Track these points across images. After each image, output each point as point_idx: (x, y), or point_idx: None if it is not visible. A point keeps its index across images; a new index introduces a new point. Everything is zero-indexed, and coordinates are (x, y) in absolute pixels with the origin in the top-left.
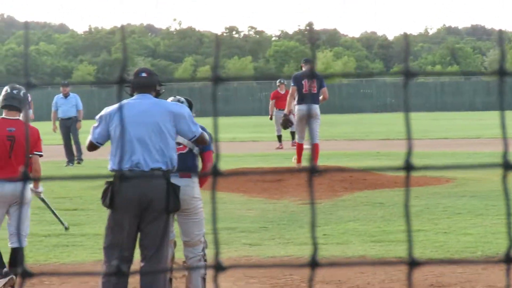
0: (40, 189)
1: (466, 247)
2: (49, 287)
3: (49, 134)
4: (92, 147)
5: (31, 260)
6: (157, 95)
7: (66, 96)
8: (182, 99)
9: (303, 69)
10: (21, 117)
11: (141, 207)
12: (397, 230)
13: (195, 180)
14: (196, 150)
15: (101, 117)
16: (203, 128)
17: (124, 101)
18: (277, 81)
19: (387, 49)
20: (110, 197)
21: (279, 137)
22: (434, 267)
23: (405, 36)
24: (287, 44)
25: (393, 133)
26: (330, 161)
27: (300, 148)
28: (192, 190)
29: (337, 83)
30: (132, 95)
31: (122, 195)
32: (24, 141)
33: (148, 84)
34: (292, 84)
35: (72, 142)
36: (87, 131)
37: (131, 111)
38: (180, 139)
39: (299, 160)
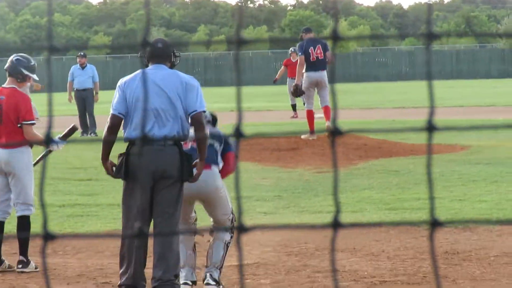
0: (55, 147)
1: (481, 214)
2: (63, 257)
3: (64, 104)
4: (114, 123)
5: None
6: (172, 66)
7: (83, 67)
8: (208, 115)
9: (304, 38)
10: (27, 86)
11: (155, 175)
12: (412, 197)
13: (216, 171)
14: (217, 145)
15: (118, 87)
16: (227, 140)
17: (139, 71)
18: (290, 49)
19: (402, 18)
20: (125, 168)
21: (294, 106)
22: (449, 234)
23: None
24: (302, 14)
25: (408, 101)
26: (345, 127)
27: (310, 115)
28: (214, 181)
29: (352, 52)
30: (147, 65)
31: (135, 165)
32: (13, 110)
33: (163, 55)
34: (300, 54)
35: (87, 114)
36: (103, 102)
37: (147, 80)
38: None
39: (312, 128)
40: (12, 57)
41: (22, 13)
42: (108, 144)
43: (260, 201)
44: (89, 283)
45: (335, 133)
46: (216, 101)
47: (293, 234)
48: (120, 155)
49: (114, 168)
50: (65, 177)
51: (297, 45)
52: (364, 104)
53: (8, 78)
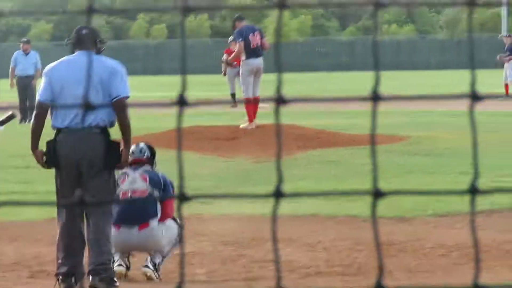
0: None
1: (418, 205)
2: None
3: (5, 91)
4: (40, 111)
5: None
6: (98, 52)
7: (26, 53)
8: (143, 146)
9: (238, 26)
10: None
11: (81, 163)
12: (350, 188)
13: (154, 225)
14: (156, 193)
15: (44, 74)
16: (166, 184)
17: (64, 58)
18: (229, 38)
19: (344, 8)
20: (53, 156)
21: (233, 95)
22: (385, 225)
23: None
24: (244, 2)
25: (348, 91)
26: (284, 119)
27: (250, 103)
28: (153, 238)
29: (292, 42)
30: (73, 52)
31: (61, 154)
32: None
33: (89, 41)
34: (240, 40)
35: (27, 101)
36: None
37: (70, 68)
38: (139, 183)
39: (253, 117)
40: None
41: None
42: (35, 132)
43: (197, 190)
44: (24, 271)
45: (279, 100)
46: (156, 89)
47: (230, 224)
48: (48, 142)
49: (44, 157)
50: (1, 165)
51: (235, 31)
52: (303, 93)
53: None
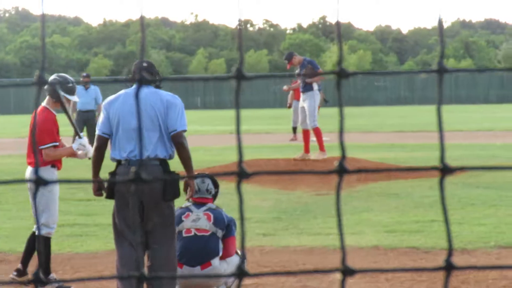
0: (75, 146)
1: (480, 237)
2: (62, 276)
3: (65, 125)
4: (100, 143)
5: None
6: (156, 87)
7: (86, 88)
8: (209, 184)
9: (296, 61)
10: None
11: (139, 196)
12: (411, 220)
13: (216, 264)
14: (219, 233)
15: (103, 107)
16: (230, 224)
17: (122, 91)
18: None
19: (401, 43)
20: (111, 188)
21: (294, 129)
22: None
23: (440, 36)
24: (301, 37)
25: (407, 125)
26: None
27: (320, 132)
28: (215, 277)
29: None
30: (131, 86)
31: (120, 186)
32: (32, 131)
33: (147, 74)
34: (319, 68)
35: (88, 136)
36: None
37: (128, 100)
38: (203, 221)
39: (324, 148)
40: (52, 76)
41: (21, 34)
42: (96, 164)
43: (259, 223)
44: None
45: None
46: (216, 123)
47: (291, 256)
48: (109, 174)
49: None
50: (64, 197)
51: (310, 61)
52: (362, 127)
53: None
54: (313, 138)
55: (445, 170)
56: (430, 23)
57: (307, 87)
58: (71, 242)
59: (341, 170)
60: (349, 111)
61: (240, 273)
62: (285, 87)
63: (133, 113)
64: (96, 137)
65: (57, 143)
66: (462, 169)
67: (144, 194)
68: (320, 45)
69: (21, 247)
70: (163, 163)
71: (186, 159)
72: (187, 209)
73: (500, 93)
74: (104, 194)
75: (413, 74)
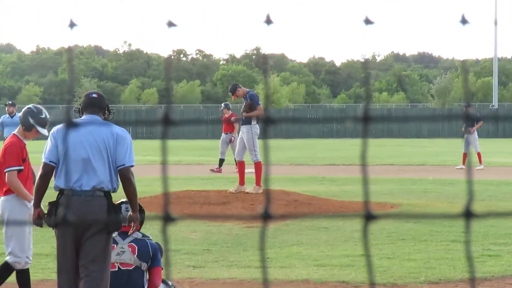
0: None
1: (410, 272)
2: None
3: (35, 152)
4: (45, 171)
5: None
6: (106, 118)
7: (12, 116)
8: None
9: (241, 91)
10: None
11: (82, 226)
12: (341, 254)
13: None
14: (144, 266)
15: (51, 135)
16: (155, 254)
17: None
18: (221, 105)
19: (334, 75)
20: (54, 217)
21: (221, 161)
22: None
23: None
24: (234, 68)
25: (338, 158)
26: (275, 185)
27: (261, 166)
28: None
29: (284, 108)
30: (81, 116)
31: (61, 215)
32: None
33: (97, 105)
34: (259, 104)
35: None
36: (33, 152)
37: (77, 130)
38: (127, 254)
39: (259, 182)
40: (26, 106)
41: None
42: (39, 191)
43: (188, 255)
44: None
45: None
46: (146, 154)
47: (225, 286)
48: (50, 203)
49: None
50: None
51: (251, 95)
52: (294, 160)
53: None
54: (250, 170)
55: (369, 217)
56: (363, 56)
57: (246, 120)
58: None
59: (266, 216)
60: (281, 144)
61: None
62: (232, 119)
63: (82, 143)
64: (42, 164)
65: (21, 168)
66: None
67: (87, 226)
68: (253, 76)
69: None
70: (108, 195)
71: (131, 194)
72: (113, 240)
73: (432, 128)
74: (44, 223)
75: (344, 109)
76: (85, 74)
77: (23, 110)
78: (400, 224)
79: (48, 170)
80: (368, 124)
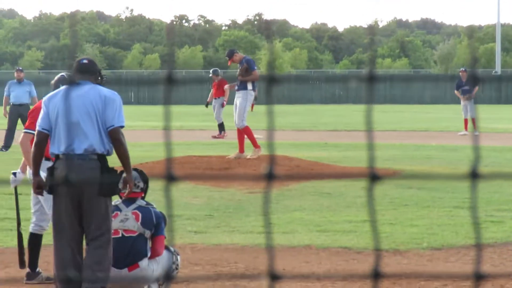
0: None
1: (412, 238)
2: None
3: None
4: (39, 139)
5: None
6: (98, 84)
7: (20, 81)
8: (137, 178)
9: (238, 57)
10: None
11: (78, 190)
12: (343, 220)
13: (144, 265)
14: (147, 234)
15: (43, 103)
16: (159, 222)
17: (62, 87)
18: (210, 71)
19: (337, 41)
20: (50, 183)
21: (221, 125)
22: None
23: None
24: (236, 34)
25: (341, 124)
26: (278, 151)
27: (250, 130)
28: (148, 277)
29: (286, 74)
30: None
31: (58, 180)
32: None
33: (88, 71)
34: (255, 68)
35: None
36: None
37: (68, 95)
38: (131, 221)
39: (256, 142)
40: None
41: None
42: (35, 159)
43: (190, 220)
44: None
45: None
46: (148, 119)
47: (223, 254)
48: (48, 169)
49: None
50: None
51: (247, 60)
52: (296, 126)
53: None
54: (258, 135)
55: (374, 177)
56: (366, 22)
57: (241, 86)
58: (1, 236)
59: (270, 175)
60: (284, 109)
61: (167, 277)
62: (226, 86)
63: (71, 108)
64: (36, 132)
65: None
66: (393, 177)
67: (81, 189)
68: (256, 42)
69: None
70: (101, 158)
71: (123, 156)
72: (116, 207)
73: (435, 94)
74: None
75: (346, 75)
76: (87, 40)
77: (56, 77)
78: (402, 190)
79: (42, 138)
80: (373, 84)
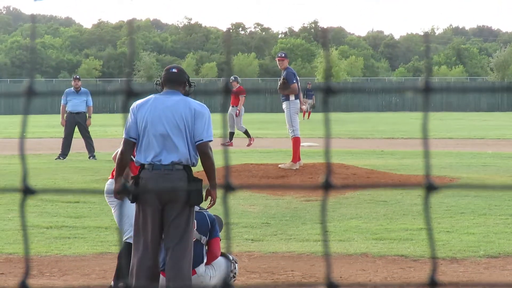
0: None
1: (469, 246)
2: (49, 278)
3: (56, 127)
4: (125, 147)
5: (32, 251)
6: (186, 94)
7: (77, 90)
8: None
9: (282, 65)
10: None
11: (163, 201)
12: (400, 228)
13: (201, 271)
14: (203, 240)
15: (131, 110)
16: (213, 225)
17: (152, 96)
18: (231, 78)
19: (393, 48)
20: (135, 188)
21: (231, 134)
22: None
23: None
24: (293, 42)
25: (398, 132)
26: (334, 158)
27: (299, 142)
28: (205, 283)
29: (342, 82)
30: (161, 91)
31: (144, 190)
32: None
33: (177, 81)
34: (294, 81)
35: (84, 138)
36: (94, 125)
37: (157, 106)
38: None
39: (299, 158)
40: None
41: (13, 35)
42: (120, 167)
43: (247, 228)
44: None
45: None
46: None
47: (280, 262)
48: (132, 178)
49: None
50: (52, 199)
51: (288, 73)
52: (353, 133)
53: None
54: (307, 143)
55: (430, 188)
56: (422, 30)
57: (284, 97)
58: (59, 244)
59: (327, 185)
60: (340, 117)
61: (225, 285)
62: (241, 97)
63: (160, 118)
64: (123, 140)
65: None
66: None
67: (167, 198)
68: (312, 49)
69: (7, 249)
70: (187, 168)
71: (209, 169)
72: None
73: (491, 102)
74: (125, 197)
75: (403, 82)
76: (144, 48)
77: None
78: (459, 198)
79: (128, 146)
80: (429, 95)
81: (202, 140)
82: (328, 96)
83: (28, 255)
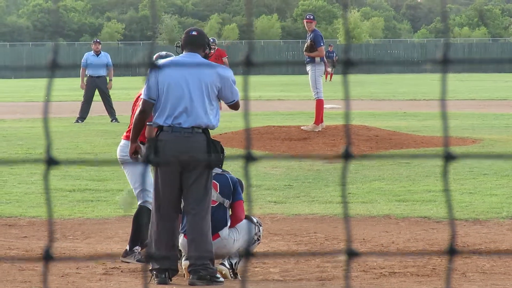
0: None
1: (492, 207)
2: (72, 241)
3: (75, 90)
4: (144, 108)
5: (55, 214)
6: (206, 56)
7: (97, 54)
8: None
9: (309, 27)
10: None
11: (182, 163)
12: (422, 189)
13: (225, 234)
14: (226, 203)
15: (151, 71)
16: (236, 188)
17: (173, 57)
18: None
19: (415, 10)
20: (153, 154)
21: None
22: (459, 227)
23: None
24: (315, 3)
25: (419, 93)
26: (356, 120)
27: (322, 104)
28: (229, 246)
29: (364, 43)
30: (181, 53)
31: (163, 152)
32: None
33: (198, 43)
34: (322, 44)
35: (104, 102)
36: (115, 89)
37: (178, 69)
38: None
39: (322, 120)
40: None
41: None
42: (137, 127)
43: (270, 190)
44: (98, 267)
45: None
46: None
47: (302, 224)
48: (148, 140)
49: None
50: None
51: (315, 35)
52: (374, 95)
53: None
54: (330, 105)
55: (448, 158)
56: None
57: (309, 59)
58: (82, 207)
59: (347, 155)
60: (361, 79)
61: (247, 254)
62: (225, 59)
63: (182, 81)
64: (142, 101)
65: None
66: (465, 157)
67: (187, 161)
68: (334, 11)
69: (31, 212)
70: (206, 131)
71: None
72: None
73: None
74: (140, 158)
75: (425, 44)
76: (165, 11)
77: (155, 55)
78: (482, 160)
79: (147, 107)
80: (447, 66)
81: (234, 100)
82: (348, 68)
83: (51, 218)
